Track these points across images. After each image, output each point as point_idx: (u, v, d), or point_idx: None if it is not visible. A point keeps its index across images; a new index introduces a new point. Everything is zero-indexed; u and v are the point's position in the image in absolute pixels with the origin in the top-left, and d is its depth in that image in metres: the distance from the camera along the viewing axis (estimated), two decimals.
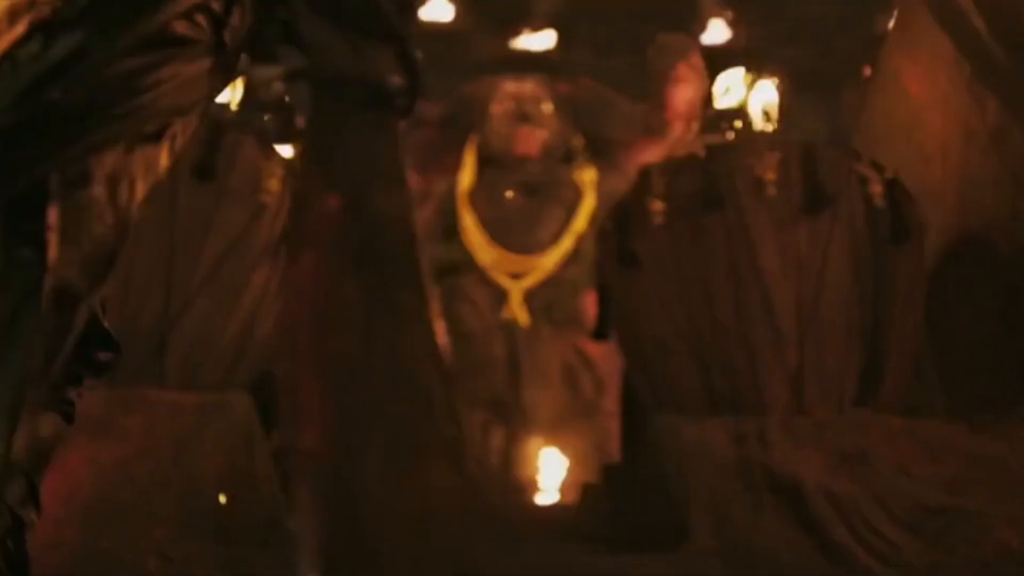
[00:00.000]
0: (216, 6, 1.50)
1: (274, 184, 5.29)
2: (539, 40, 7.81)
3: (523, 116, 7.40)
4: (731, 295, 5.00)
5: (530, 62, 7.71)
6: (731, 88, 6.45)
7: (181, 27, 1.47)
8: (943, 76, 5.49)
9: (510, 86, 7.49)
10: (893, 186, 5.07)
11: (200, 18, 1.50)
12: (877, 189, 5.06)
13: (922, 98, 5.59)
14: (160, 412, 4.99)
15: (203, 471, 5.01)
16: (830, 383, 4.94)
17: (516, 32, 7.80)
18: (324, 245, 1.15)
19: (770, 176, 5.06)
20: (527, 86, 7.49)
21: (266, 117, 1.30)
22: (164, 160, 1.59)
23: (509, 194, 7.34)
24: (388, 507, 1.09)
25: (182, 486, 4.92)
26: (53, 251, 1.51)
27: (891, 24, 6.24)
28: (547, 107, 7.45)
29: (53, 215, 1.49)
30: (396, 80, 1.45)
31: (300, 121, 1.30)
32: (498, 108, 7.40)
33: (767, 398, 4.92)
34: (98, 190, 1.53)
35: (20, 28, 1.42)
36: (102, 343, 1.74)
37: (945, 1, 5.38)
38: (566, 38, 7.85)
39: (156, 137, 1.56)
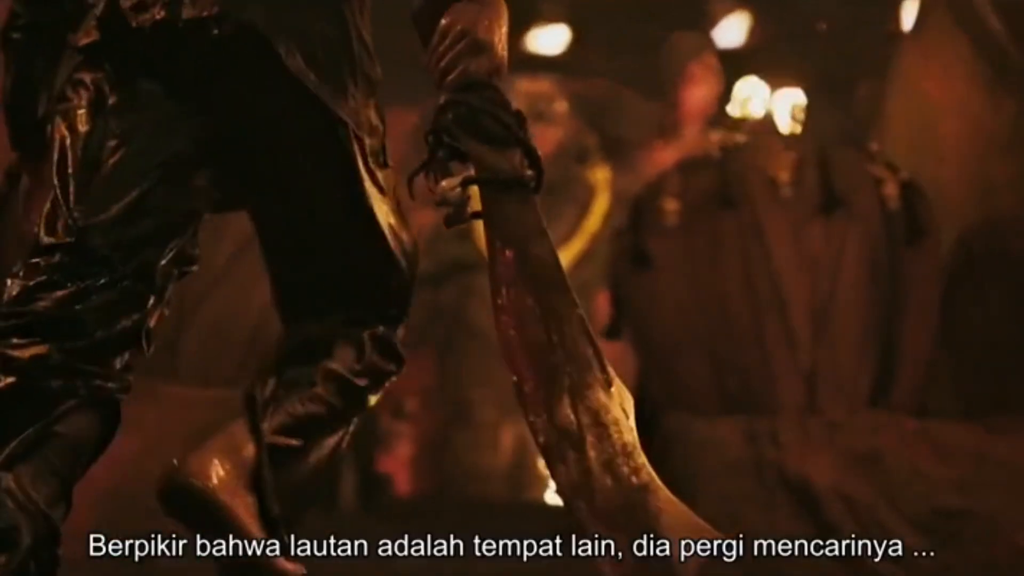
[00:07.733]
0: None
1: None
2: (552, 39, 7.80)
3: (537, 115, 7.40)
4: (745, 295, 4.99)
5: (543, 62, 7.70)
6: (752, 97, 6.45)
7: None
8: (960, 77, 5.48)
9: (524, 85, 7.48)
10: (908, 187, 5.06)
11: None
12: (892, 190, 5.05)
13: (938, 99, 5.58)
14: (172, 407, 5.00)
15: None
16: (844, 383, 4.93)
17: (529, 31, 7.79)
18: (511, 281, 1.94)
19: (785, 176, 5.05)
20: (541, 85, 7.48)
21: (449, 210, 1.85)
22: None
23: None
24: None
25: None
26: None
27: (908, 25, 6.23)
28: (561, 106, 7.45)
29: None
30: (528, 171, 2.07)
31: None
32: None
33: (780, 398, 4.91)
34: None
35: None
36: None
37: (963, 2, 5.37)
38: (579, 37, 7.84)
39: None
